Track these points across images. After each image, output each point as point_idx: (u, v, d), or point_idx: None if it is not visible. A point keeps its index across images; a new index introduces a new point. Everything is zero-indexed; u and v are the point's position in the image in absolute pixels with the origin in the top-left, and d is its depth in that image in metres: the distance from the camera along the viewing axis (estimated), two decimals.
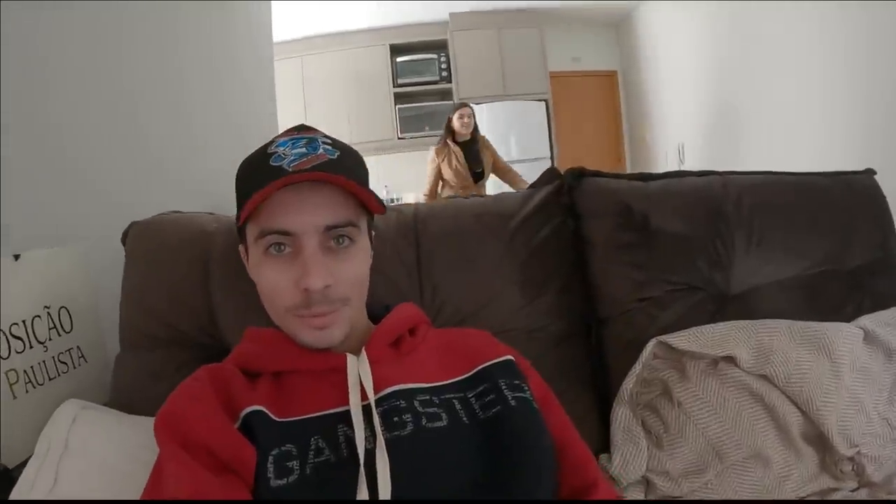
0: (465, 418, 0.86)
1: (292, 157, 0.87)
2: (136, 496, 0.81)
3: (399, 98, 6.58)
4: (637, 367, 1.22)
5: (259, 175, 0.86)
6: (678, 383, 1.19)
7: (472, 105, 4.66)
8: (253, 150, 0.94)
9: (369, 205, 0.91)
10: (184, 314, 1.24)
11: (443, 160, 4.46)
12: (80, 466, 1.00)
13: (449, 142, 4.49)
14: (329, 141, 0.92)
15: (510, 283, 1.30)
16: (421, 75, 6.62)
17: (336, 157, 0.89)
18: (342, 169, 0.87)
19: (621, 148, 7.40)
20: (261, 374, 0.90)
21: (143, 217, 1.32)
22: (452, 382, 0.92)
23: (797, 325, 1.27)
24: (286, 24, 5.49)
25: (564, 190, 1.40)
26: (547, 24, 6.71)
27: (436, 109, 6.52)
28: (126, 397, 1.20)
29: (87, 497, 0.96)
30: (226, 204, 1.15)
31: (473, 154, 4.52)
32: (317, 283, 0.83)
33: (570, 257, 1.37)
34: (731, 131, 5.03)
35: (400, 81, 6.59)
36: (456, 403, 0.88)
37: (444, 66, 6.62)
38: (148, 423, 0.85)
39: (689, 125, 5.84)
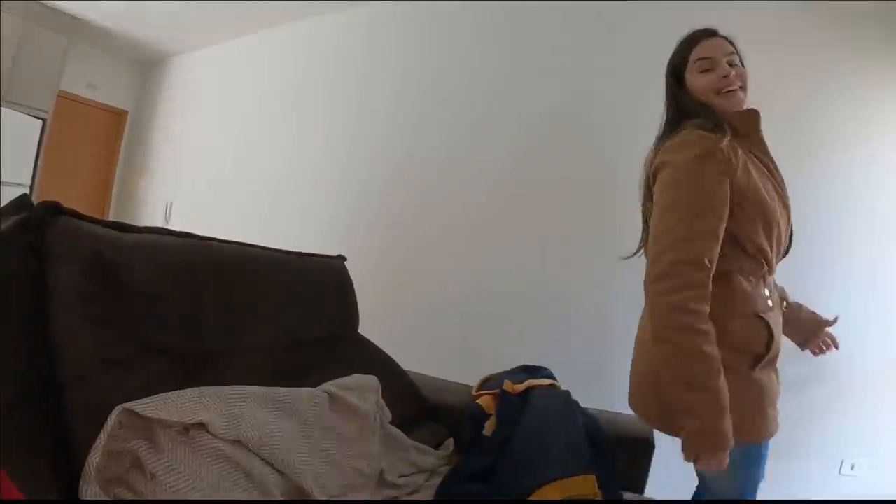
0: None
1: None
2: None
3: None
4: (102, 439, 1.08)
5: None
6: (150, 454, 1.10)
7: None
8: None
9: None
10: None
11: (743, 172, 1.48)
12: None
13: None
14: None
15: None
16: None
17: None
18: None
19: (110, 191, 7.01)
20: None
21: None
22: None
23: (267, 391, 1.33)
24: None
25: (32, 225, 1.19)
26: (77, 37, 6.04)
27: None
28: None
29: None
30: None
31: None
32: None
33: (25, 306, 1.15)
34: (223, 200, 5.26)
35: None
36: None
37: None
38: None
39: (183, 185, 5.92)
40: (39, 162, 5.69)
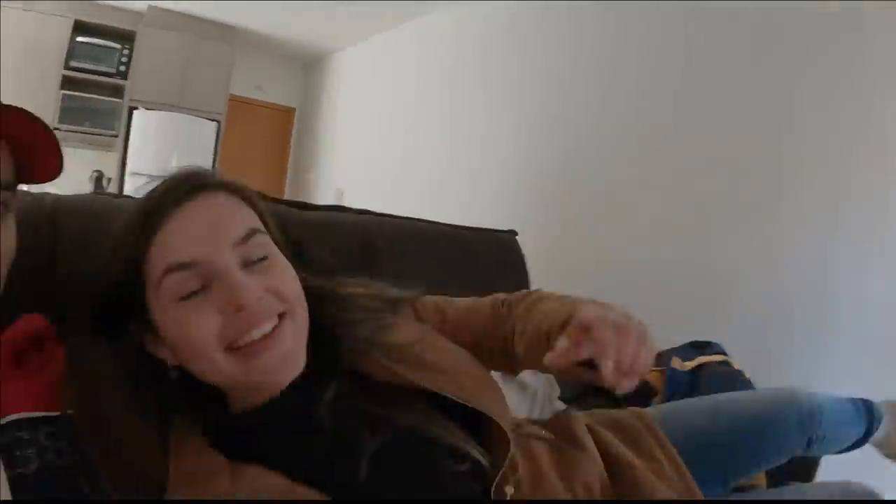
0: None
1: None
2: None
3: (67, 83, 5.65)
4: None
5: None
6: None
7: None
8: None
9: (48, 163, 0.75)
10: None
11: None
12: None
13: None
14: None
15: None
16: (98, 63, 5.77)
17: None
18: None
19: (283, 184, 7.47)
20: None
21: None
22: None
23: None
24: None
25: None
26: (240, 45, 6.54)
27: (102, 106, 5.84)
28: None
29: None
30: None
31: None
32: None
33: None
34: (392, 183, 5.42)
35: (73, 64, 5.66)
36: None
37: (124, 60, 5.89)
38: None
39: (354, 173, 6.17)
40: (217, 160, 6.24)
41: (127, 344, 0.77)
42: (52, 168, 0.77)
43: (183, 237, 0.72)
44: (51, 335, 0.89)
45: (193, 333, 0.70)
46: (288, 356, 0.74)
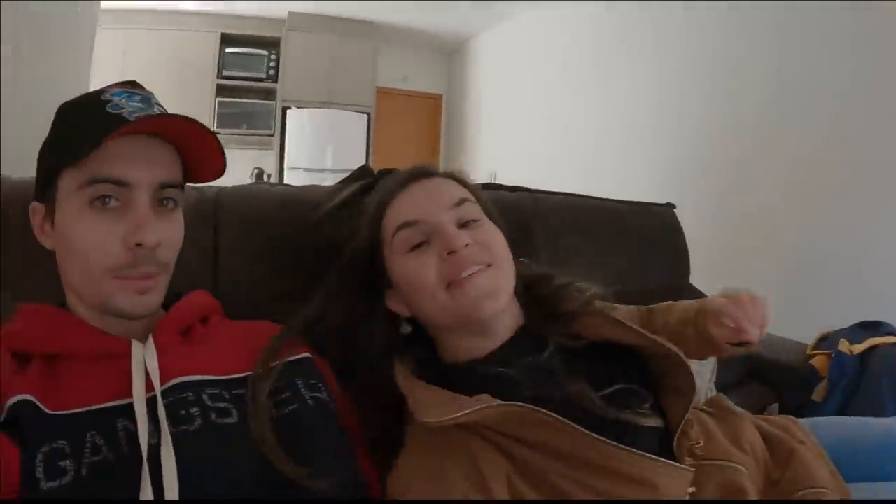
0: None
1: (132, 109, 0.79)
2: None
3: (221, 91, 6.19)
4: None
5: (96, 120, 0.78)
6: None
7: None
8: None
9: (214, 162, 0.87)
10: None
11: None
12: None
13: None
14: (161, 104, 0.86)
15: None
16: (247, 70, 6.26)
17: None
18: None
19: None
20: (32, 357, 0.78)
21: None
22: (245, 376, 0.85)
23: None
24: None
25: (373, 188, 1.34)
26: (382, 40, 6.73)
27: (256, 109, 6.29)
28: None
29: None
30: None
31: None
32: (152, 239, 0.78)
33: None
34: (545, 161, 5.35)
35: (225, 73, 6.19)
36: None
37: (273, 64, 6.33)
38: None
39: (504, 154, 6.15)
40: (370, 149, 6.52)
41: (374, 299, 0.97)
42: (217, 167, 0.89)
43: (409, 204, 0.93)
44: (215, 310, 0.98)
45: (420, 274, 0.89)
46: (490, 290, 0.88)
